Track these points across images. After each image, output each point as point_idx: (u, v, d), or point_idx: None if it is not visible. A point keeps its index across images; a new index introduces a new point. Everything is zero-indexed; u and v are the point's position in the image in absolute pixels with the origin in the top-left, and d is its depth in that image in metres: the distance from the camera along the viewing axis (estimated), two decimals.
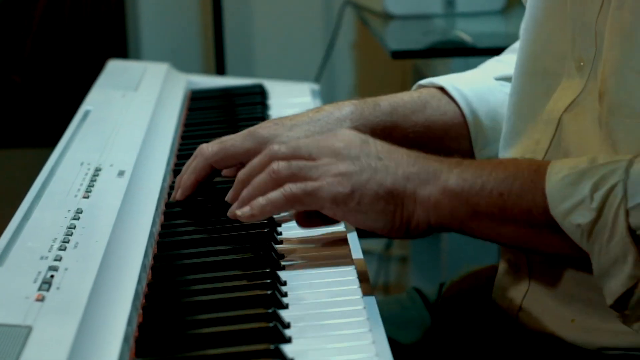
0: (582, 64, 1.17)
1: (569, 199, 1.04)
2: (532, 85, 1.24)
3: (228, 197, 1.17)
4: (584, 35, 1.16)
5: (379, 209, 1.10)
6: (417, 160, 1.12)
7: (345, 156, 1.11)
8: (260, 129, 1.29)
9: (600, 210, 1.03)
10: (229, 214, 1.15)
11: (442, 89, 1.38)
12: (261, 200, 1.11)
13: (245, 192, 1.13)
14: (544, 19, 1.23)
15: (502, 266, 1.27)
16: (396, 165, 1.11)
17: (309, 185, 1.10)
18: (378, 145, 1.13)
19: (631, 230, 1.02)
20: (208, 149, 1.27)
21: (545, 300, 1.20)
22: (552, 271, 1.19)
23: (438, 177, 1.10)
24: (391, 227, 1.11)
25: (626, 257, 1.03)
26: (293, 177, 1.11)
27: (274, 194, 1.10)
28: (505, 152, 1.28)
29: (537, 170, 1.07)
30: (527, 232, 1.08)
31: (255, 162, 1.15)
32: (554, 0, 1.21)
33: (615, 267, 1.04)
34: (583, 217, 1.03)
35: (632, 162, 1.03)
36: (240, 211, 1.12)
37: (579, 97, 1.17)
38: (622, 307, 1.05)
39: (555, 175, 1.06)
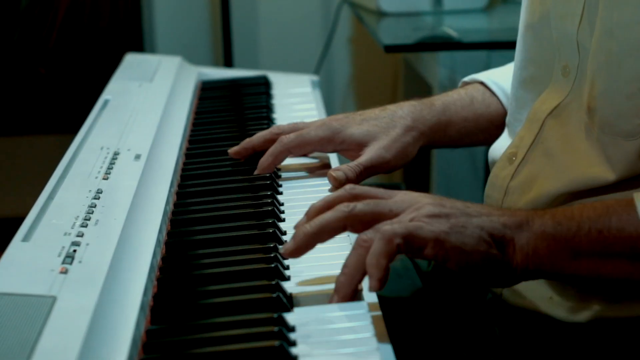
0: (567, 69, 1.17)
1: None
2: (524, 91, 1.25)
3: (286, 248, 1.00)
4: (566, 44, 1.16)
5: (482, 251, 0.98)
6: (503, 210, 1.03)
7: (431, 203, 0.99)
8: (333, 121, 1.32)
9: None
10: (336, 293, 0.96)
11: (483, 84, 1.40)
12: (370, 260, 0.94)
13: (343, 276, 0.96)
14: (528, 31, 1.24)
15: None
16: (488, 213, 1.01)
17: (410, 225, 0.96)
18: (457, 200, 1.02)
19: None
20: (286, 137, 1.29)
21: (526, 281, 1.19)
22: None
23: (532, 224, 1.01)
24: (491, 271, 1.00)
25: None
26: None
27: (376, 247, 0.95)
28: (496, 148, 1.29)
29: (628, 204, 1.01)
30: (630, 266, 1.01)
31: (328, 217, 1.00)
32: (537, 13, 1.21)
33: None
34: None
35: None
36: (372, 285, 0.93)
37: (564, 101, 1.17)
38: None
39: None
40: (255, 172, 1.29)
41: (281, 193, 1.26)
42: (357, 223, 1.00)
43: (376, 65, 3.23)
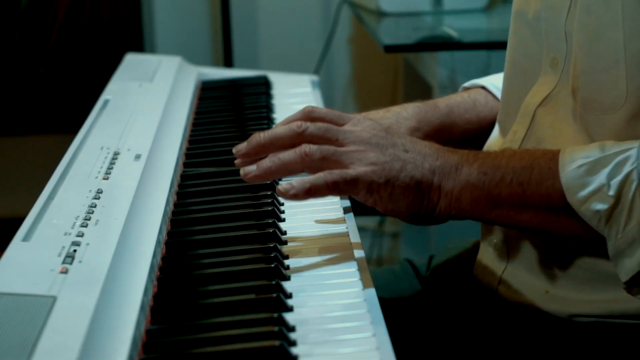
0: (556, 61, 1.17)
1: (585, 187, 1.04)
2: (514, 86, 1.26)
3: (238, 149, 1.12)
4: (555, 35, 1.17)
5: (409, 199, 1.08)
6: (438, 154, 1.10)
7: (373, 145, 1.08)
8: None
9: (617, 197, 1.03)
10: (244, 174, 1.09)
11: (484, 88, 1.41)
12: (306, 181, 1.05)
13: (271, 163, 1.08)
14: (519, 27, 1.24)
15: (483, 247, 1.27)
16: (422, 158, 1.09)
17: (348, 173, 1.06)
18: (401, 137, 1.11)
19: None
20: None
21: (522, 275, 1.20)
22: (527, 249, 1.20)
23: (460, 172, 1.09)
24: (415, 215, 1.10)
25: None
26: (324, 162, 1.07)
27: (317, 180, 1.05)
28: (489, 146, 1.29)
29: (552, 158, 1.07)
30: (545, 217, 1.07)
31: (281, 131, 1.10)
32: (528, 9, 1.22)
33: (631, 247, 1.04)
34: (602, 203, 1.03)
35: None
36: (282, 188, 1.05)
37: (553, 92, 1.18)
38: (635, 283, 1.06)
39: (570, 165, 1.05)
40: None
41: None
42: (305, 142, 1.08)
43: (376, 65, 3.23)
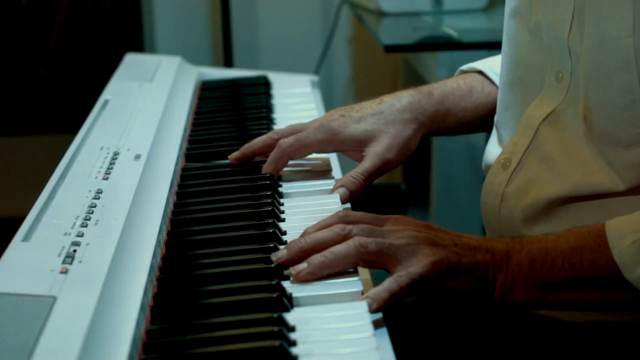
0: (561, 75, 1.16)
1: None
2: (511, 93, 1.24)
3: (278, 257, 1.03)
4: (558, 51, 1.16)
5: (470, 286, 1.03)
6: (486, 246, 1.05)
7: (422, 239, 1.03)
8: (331, 122, 1.30)
9: None
10: (296, 274, 1.01)
11: (482, 73, 1.39)
12: (382, 292, 0.98)
13: (323, 258, 1.01)
14: (518, 30, 1.23)
15: None
16: (472, 251, 1.04)
17: (413, 274, 1.00)
18: (445, 232, 1.06)
19: None
20: (284, 142, 1.28)
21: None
22: None
23: (510, 263, 1.04)
24: (476, 300, 1.05)
25: None
26: (380, 255, 1.01)
27: (391, 287, 0.99)
28: (489, 153, 1.28)
29: (599, 235, 1.03)
30: (602, 294, 1.04)
31: (324, 235, 1.04)
32: (529, 14, 1.20)
33: None
34: None
35: None
36: (370, 300, 0.97)
37: (559, 107, 1.16)
38: None
39: (620, 241, 1.01)
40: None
41: (281, 193, 1.26)
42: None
43: (376, 65, 3.23)
